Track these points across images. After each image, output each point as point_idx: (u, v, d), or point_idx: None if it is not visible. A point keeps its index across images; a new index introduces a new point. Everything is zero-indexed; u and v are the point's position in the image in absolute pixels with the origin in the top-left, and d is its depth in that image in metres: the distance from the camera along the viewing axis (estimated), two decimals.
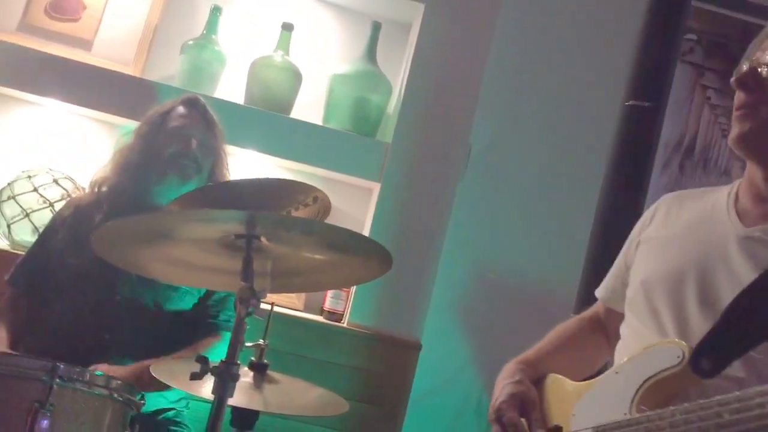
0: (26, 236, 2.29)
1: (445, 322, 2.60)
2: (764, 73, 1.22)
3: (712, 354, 1.12)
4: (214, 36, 2.54)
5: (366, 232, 2.47)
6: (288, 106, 2.54)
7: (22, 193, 2.32)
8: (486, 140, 2.67)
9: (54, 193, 2.34)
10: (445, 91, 2.51)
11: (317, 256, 1.35)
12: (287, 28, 2.56)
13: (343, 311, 2.45)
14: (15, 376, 1.27)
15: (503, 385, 1.37)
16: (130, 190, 1.96)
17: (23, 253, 2.06)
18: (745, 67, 1.25)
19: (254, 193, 1.39)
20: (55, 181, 2.36)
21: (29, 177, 2.35)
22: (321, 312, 2.48)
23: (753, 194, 1.29)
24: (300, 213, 1.44)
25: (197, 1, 2.65)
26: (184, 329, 1.90)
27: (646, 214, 1.48)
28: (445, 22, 2.53)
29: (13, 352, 1.77)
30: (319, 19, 2.73)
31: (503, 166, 2.70)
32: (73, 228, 1.94)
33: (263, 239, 1.29)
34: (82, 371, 1.29)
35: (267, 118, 2.46)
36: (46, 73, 2.39)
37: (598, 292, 1.54)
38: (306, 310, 2.53)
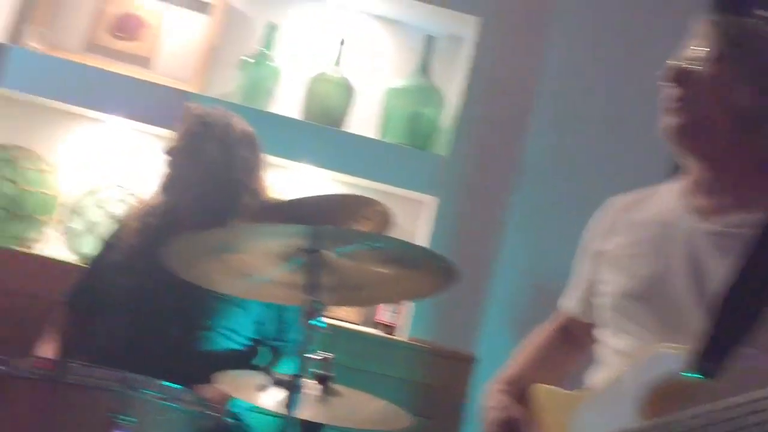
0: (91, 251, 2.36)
1: (501, 335, 2.58)
2: (687, 66, 1.33)
3: (713, 354, 1.12)
4: (269, 52, 2.58)
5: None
6: (341, 120, 2.57)
7: (88, 208, 2.39)
8: (542, 152, 2.64)
9: (119, 210, 2.39)
10: (501, 104, 2.50)
11: (381, 270, 1.36)
12: (341, 43, 2.59)
13: (397, 324, 2.45)
14: (90, 386, 1.29)
15: (491, 413, 1.40)
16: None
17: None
18: (672, 64, 1.34)
19: (319, 210, 1.41)
20: (120, 198, 2.42)
21: (95, 193, 2.42)
22: (374, 325, 2.48)
23: (702, 189, 1.31)
24: (362, 227, 1.45)
25: (253, 18, 2.70)
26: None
27: (598, 223, 1.50)
28: (501, 35, 2.53)
29: (87, 363, 1.79)
30: (374, 34, 2.76)
31: (559, 178, 2.67)
32: (129, 246, 1.94)
33: (327, 253, 1.31)
34: (157, 383, 1.31)
35: (323, 132, 2.49)
36: (110, 90, 2.46)
37: (565, 304, 1.54)
38: (360, 323, 2.54)
